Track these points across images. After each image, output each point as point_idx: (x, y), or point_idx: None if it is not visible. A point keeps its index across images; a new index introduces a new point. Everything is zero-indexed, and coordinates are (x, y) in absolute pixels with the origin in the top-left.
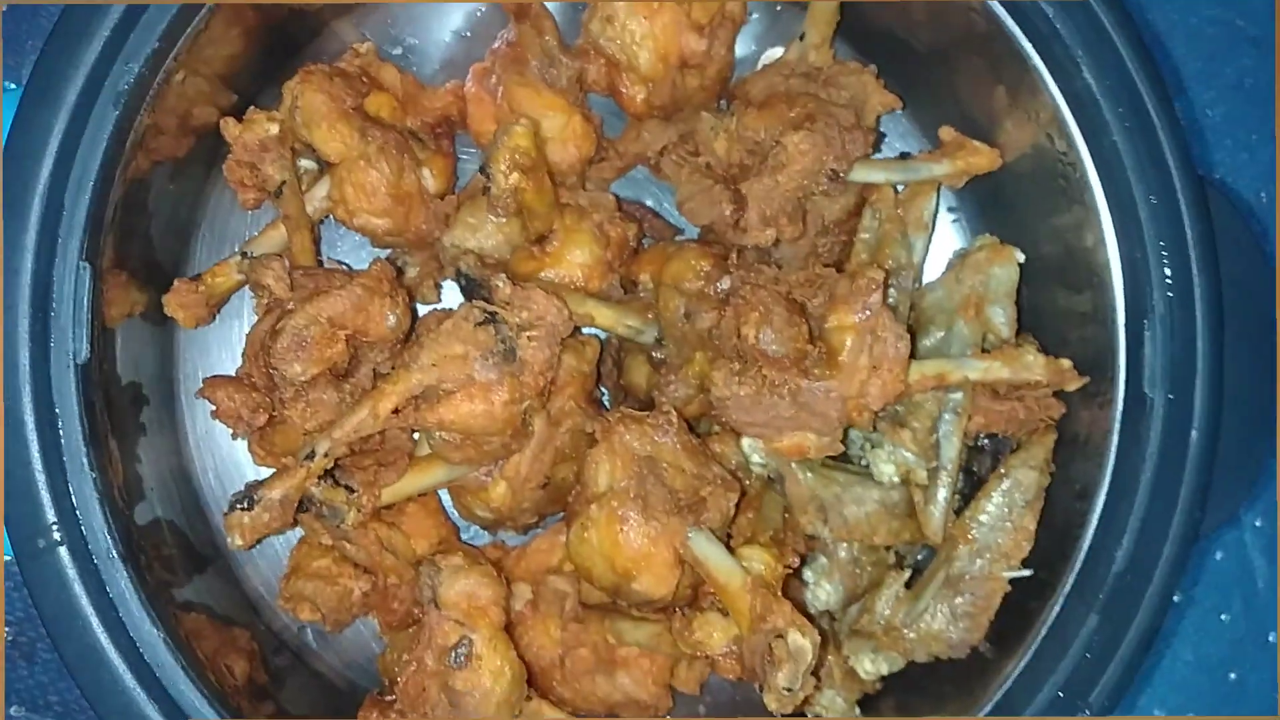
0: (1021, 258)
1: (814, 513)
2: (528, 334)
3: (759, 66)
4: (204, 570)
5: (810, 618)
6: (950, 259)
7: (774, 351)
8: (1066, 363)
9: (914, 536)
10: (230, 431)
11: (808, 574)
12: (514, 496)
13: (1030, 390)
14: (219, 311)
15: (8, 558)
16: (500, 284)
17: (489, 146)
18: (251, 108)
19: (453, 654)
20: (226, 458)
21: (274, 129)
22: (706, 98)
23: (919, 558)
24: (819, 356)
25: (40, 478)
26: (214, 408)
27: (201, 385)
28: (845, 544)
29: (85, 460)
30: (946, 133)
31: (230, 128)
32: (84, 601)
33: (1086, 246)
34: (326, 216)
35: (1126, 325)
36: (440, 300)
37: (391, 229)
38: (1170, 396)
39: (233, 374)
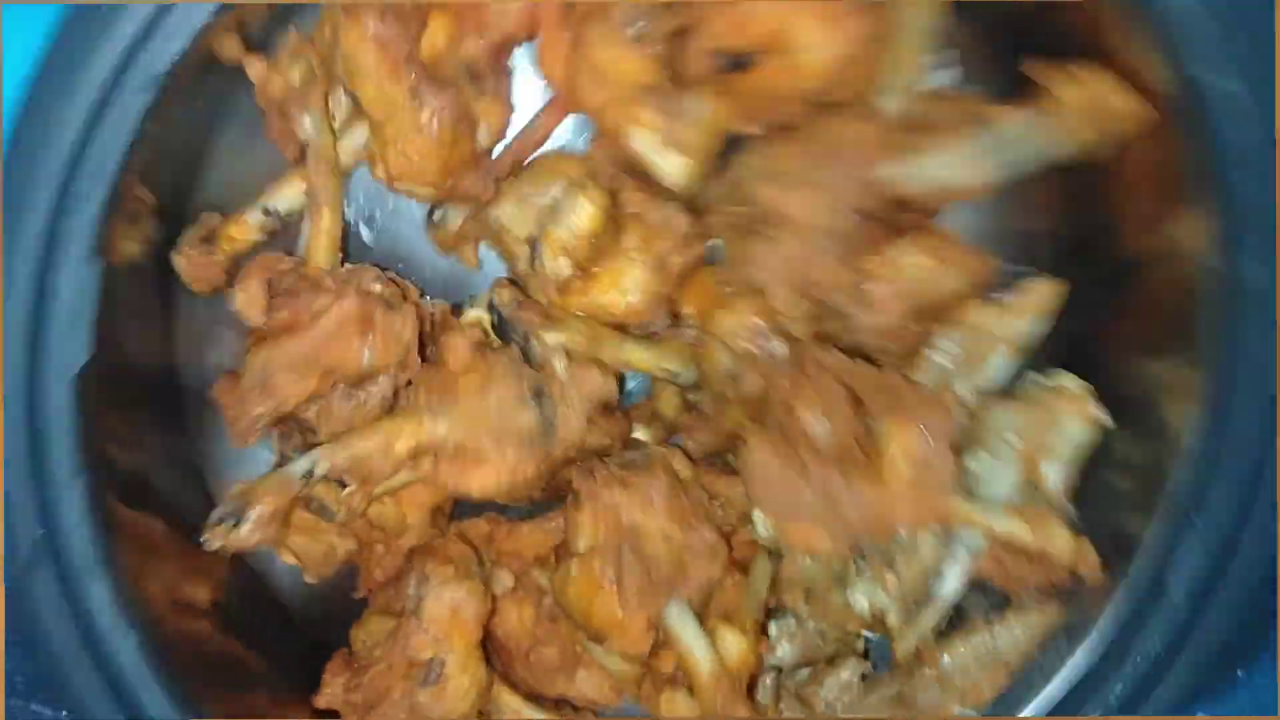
0: (1110, 424)
1: (800, 593)
2: (569, 407)
3: None
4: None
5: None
6: (1023, 380)
7: (820, 441)
8: (1092, 554)
9: (888, 635)
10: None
11: (773, 628)
12: (512, 494)
13: (1045, 561)
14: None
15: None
16: (559, 366)
17: (545, 214)
18: (290, 42)
19: (425, 672)
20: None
21: (297, 75)
22: None
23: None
24: (863, 461)
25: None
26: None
27: (214, 384)
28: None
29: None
30: None
31: (255, 70)
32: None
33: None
34: (359, 165)
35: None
36: (478, 266)
37: (435, 194)
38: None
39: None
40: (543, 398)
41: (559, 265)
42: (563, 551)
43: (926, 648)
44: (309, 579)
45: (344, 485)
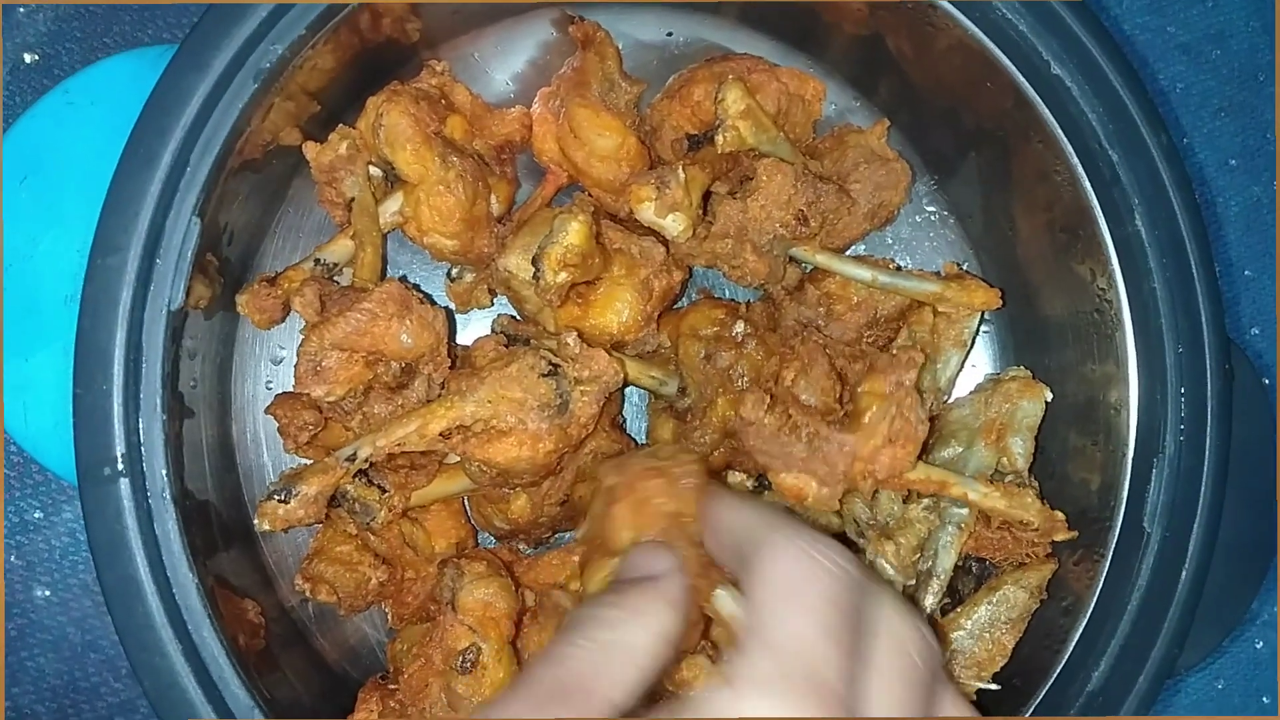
0: (1049, 396)
1: None
2: (582, 388)
3: None
4: (232, 544)
5: None
6: (981, 381)
7: (805, 399)
8: (1060, 515)
9: None
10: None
11: None
12: (533, 511)
13: (1020, 529)
14: (289, 313)
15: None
16: (570, 341)
17: (541, 237)
18: (339, 128)
19: (460, 658)
20: (267, 435)
21: (344, 148)
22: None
23: None
24: (844, 415)
25: (118, 411)
26: (278, 422)
27: (271, 403)
28: None
29: (159, 402)
30: (949, 266)
31: (310, 150)
32: (132, 534)
33: (1108, 376)
34: (395, 229)
35: (1135, 459)
36: (493, 304)
37: (458, 250)
38: (1167, 534)
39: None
40: (558, 373)
41: (559, 277)
42: (596, 551)
43: (938, 626)
44: (343, 613)
45: (384, 490)
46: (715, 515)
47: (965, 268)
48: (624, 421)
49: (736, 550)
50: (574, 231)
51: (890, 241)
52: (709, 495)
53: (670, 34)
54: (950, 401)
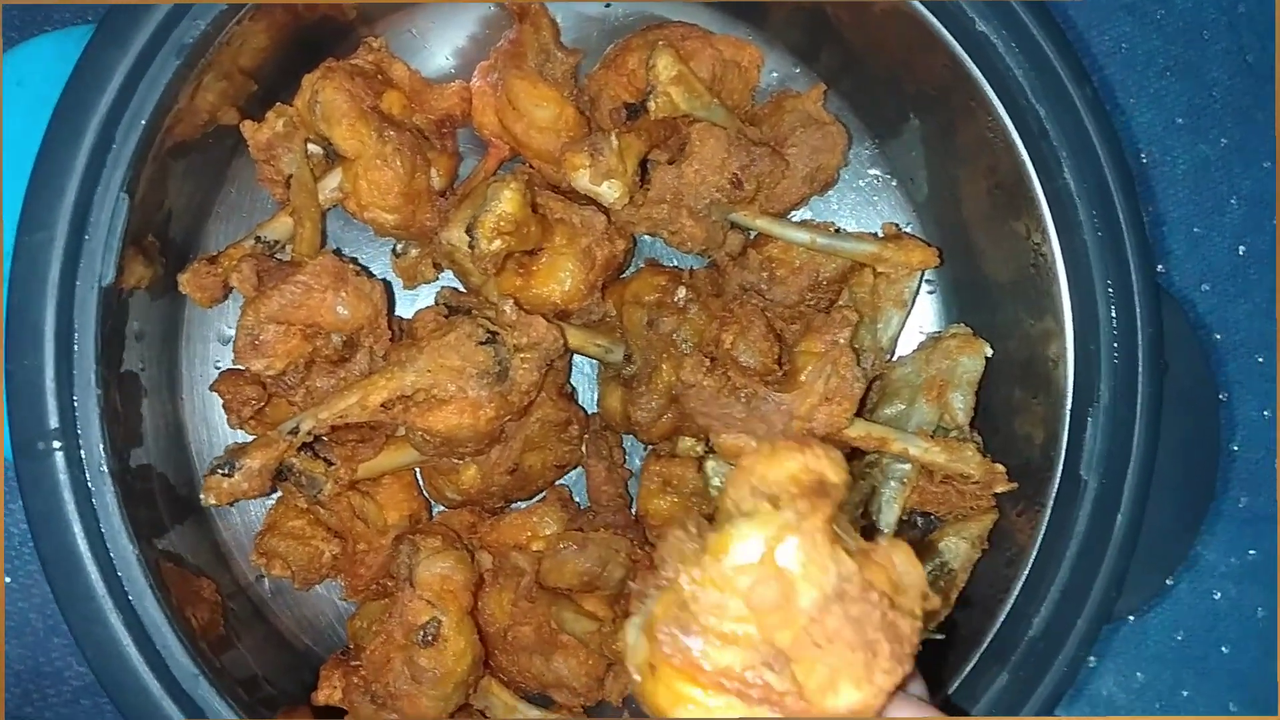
0: (989, 352)
1: None
2: (522, 355)
3: None
4: (183, 520)
5: None
6: (923, 340)
7: (744, 361)
8: (1000, 468)
9: None
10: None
11: None
12: (483, 481)
13: (962, 482)
14: (232, 291)
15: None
16: (507, 308)
17: (478, 207)
18: (276, 106)
19: (421, 632)
20: (218, 414)
21: (280, 125)
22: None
23: None
24: (781, 375)
25: (50, 385)
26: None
27: (215, 379)
28: None
29: (94, 376)
30: (888, 227)
31: (247, 128)
32: (70, 506)
33: (1047, 331)
34: (335, 206)
35: (1073, 410)
36: (438, 279)
37: (399, 224)
38: (1103, 481)
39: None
40: (496, 341)
41: (494, 245)
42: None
43: None
44: (298, 587)
45: (330, 463)
46: None
47: (909, 231)
48: (573, 391)
49: None
50: (507, 199)
51: (836, 207)
52: None
53: (609, 5)
54: (893, 360)
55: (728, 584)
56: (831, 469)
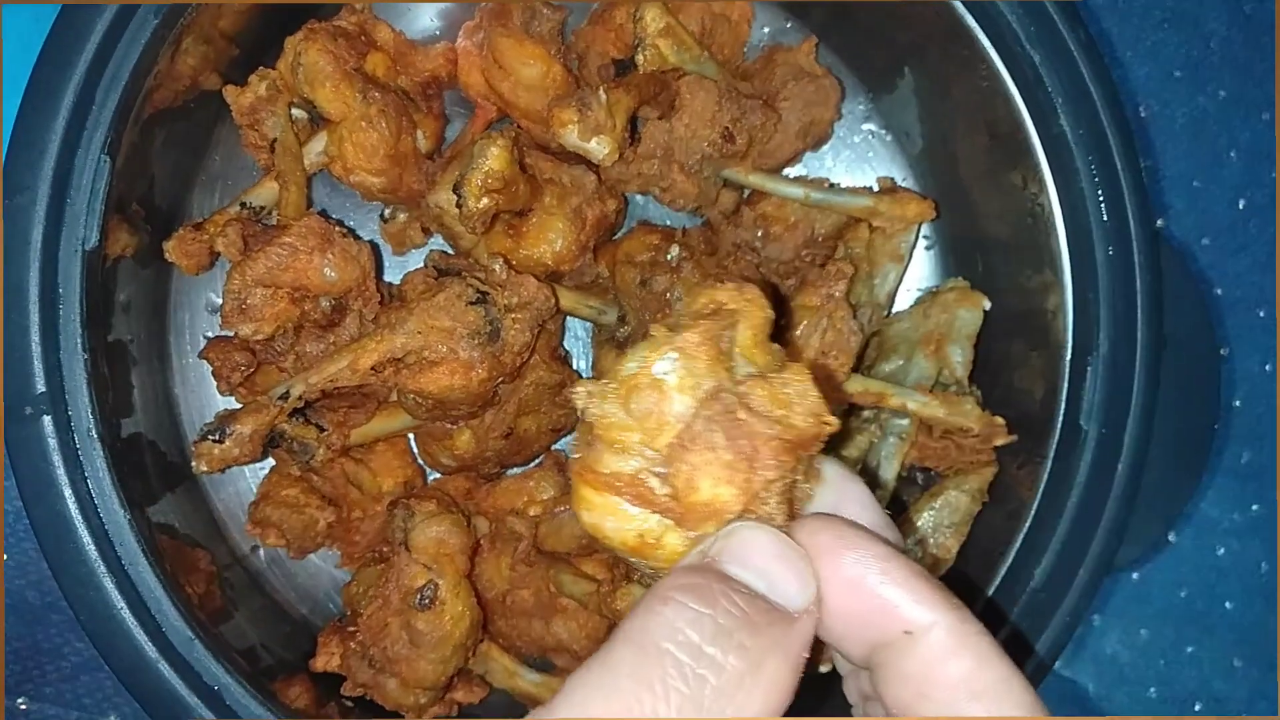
0: (988, 305)
1: None
2: (513, 315)
3: None
4: (175, 488)
5: None
6: (920, 294)
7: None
8: (999, 420)
9: None
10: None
11: None
12: (478, 445)
13: (962, 436)
14: (218, 258)
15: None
16: (497, 267)
17: (464, 165)
18: (258, 70)
19: (418, 596)
20: (209, 384)
21: (263, 89)
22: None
23: None
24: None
25: (36, 349)
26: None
27: (203, 347)
28: None
29: (80, 341)
30: (884, 181)
31: (230, 93)
32: (60, 471)
33: (1045, 283)
34: (322, 170)
35: (1072, 360)
36: (427, 243)
37: (385, 187)
38: (1103, 430)
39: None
40: (487, 301)
41: (481, 203)
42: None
43: None
44: (293, 556)
45: (321, 429)
46: None
47: (905, 185)
48: (567, 355)
49: None
50: (493, 156)
51: (830, 164)
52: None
53: None
54: (891, 316)
55: (615, 396)
56: (730, 297)
